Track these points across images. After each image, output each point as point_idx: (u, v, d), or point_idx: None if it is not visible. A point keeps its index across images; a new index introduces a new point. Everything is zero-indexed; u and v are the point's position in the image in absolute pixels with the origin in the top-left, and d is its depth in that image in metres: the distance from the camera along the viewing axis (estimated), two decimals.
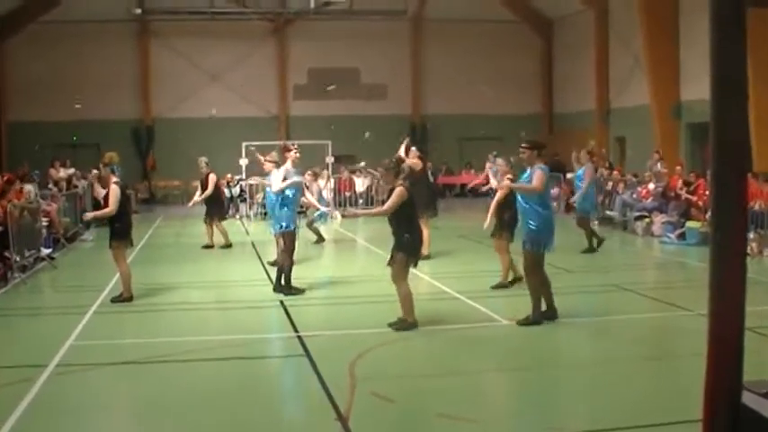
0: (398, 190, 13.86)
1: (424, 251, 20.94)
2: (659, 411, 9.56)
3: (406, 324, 14.09)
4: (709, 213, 24.93)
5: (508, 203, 17.20)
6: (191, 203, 26.73)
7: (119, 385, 11.71)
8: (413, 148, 22.52)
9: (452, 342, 13.89)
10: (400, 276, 14.04)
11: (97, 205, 19.96)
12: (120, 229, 17.09)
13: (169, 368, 12.22)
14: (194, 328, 14.97)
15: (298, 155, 18.82)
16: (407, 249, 14.00)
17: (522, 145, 14.66)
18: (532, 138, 15.52)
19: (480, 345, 13.72)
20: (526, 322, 14.31)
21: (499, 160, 18.83)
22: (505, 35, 46.95)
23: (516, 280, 17.78)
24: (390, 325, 14.11)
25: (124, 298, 17.11)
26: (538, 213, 14.28)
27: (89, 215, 18.42)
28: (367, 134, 34.91)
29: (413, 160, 21.72)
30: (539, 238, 14.26)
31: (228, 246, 25.37)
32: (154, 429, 9.59)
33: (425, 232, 21.42)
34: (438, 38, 46.87)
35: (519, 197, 14.69)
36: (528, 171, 14.49)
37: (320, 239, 26.27)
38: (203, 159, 26.35)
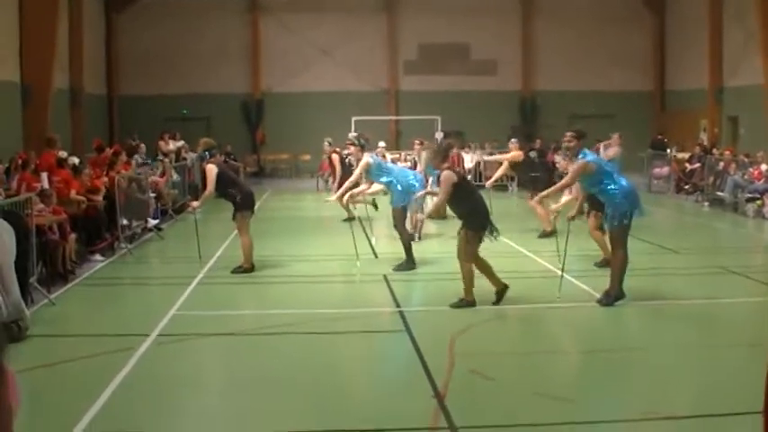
0: (445, 174, 13.80)
1: (548, 227, 21.04)
2: (752, 398, 9.37)
3: (463, 303, 14.01)
4: None
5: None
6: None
7: (217, 356, 11.86)
8: (513, 140, 22.74)
9: (551, 321, 13.81)
10: (465, 253, 13.94)
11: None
12: (242, 201, 17.29)
13: (270, 340, 12.31)
14: (297, 302, 15.03)
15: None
16: (471, 226, 13.96)
17: (569, 134, 14.58)
18: (578, 127, 15.23)
19: (579, 324, 13.61)
20: (604, 302, 14.20)
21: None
22: (617, 10, 46.33)
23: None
24: (452, 305, 14.05)
25: (245, 269, 17.33)
26: (605, 194, 14.27)
27: (195, 205, 18.60)
28: (438, 135, 34.96)
29: (515, 152, 22.17)
30: (614, 213, 14.12)
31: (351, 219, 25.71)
32: (251, 400, 9.63)
33: (541, 210, 21.45)
34: (548, 13, 46.44)
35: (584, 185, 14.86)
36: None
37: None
38: (327, 140, 26.71)
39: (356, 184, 19.54)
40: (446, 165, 14.13)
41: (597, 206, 16.89)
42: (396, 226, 18.23)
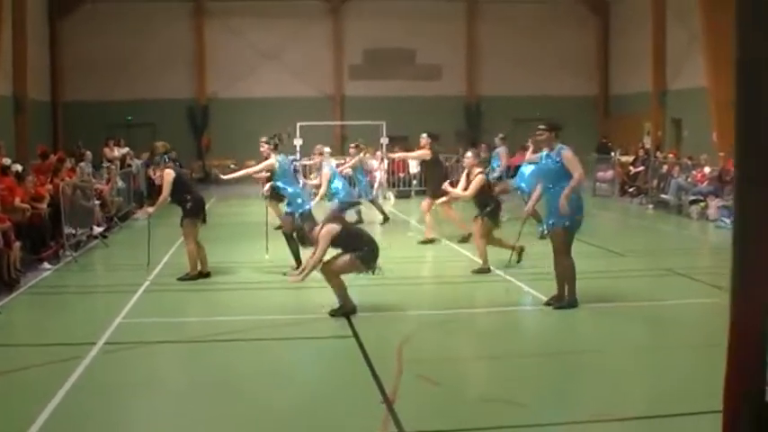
0: (325, 230, 13.66)
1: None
2: (706, 399, 9.44)
3: (567, 301, 14.21)
4: None
5: (486, 196, 17.87)
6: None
7: (164, 364, 11.80)
8: (423, 135, 22.57)
9: (499, 325, 13.86)
10: (338, 270, 14.03)
11: (151, 186, 20.15)
12: (192, 208, 17.23)
13: (218, 347, 12.27)
14: (243, 308, 15.01)
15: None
16: (364, 259, 13.94)
17: (540, 127, 14.58)
18: (550, 119, 15.23)
19: (526, 328, 13.69)
20: (561, 306, 14.20)
21: (468, 154, 18.83)
22: (561, 14, 46.58)
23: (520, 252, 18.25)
24: (552, 305, 14.26)
25: (191, 276, 17.24)
26: (557, 196, 14.10)
27: (150, 211, 18.57)
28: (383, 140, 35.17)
29: (424, 150, 22.39)
30: (572, 218, 14.01)
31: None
32: (199, 407, 9.62)
33: (454, 214, 21.62)
34: (493, 18, 46.59)
35: (544, 179, 14.48)
36: (548, 153, 14.38)
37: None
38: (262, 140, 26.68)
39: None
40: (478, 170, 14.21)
41: (485, 211, 17.18)
42: (284, 233, 18.20)
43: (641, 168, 34.74)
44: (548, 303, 14.39)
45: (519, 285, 16.30)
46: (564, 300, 14.22)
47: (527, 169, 23.38)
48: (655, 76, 41.60)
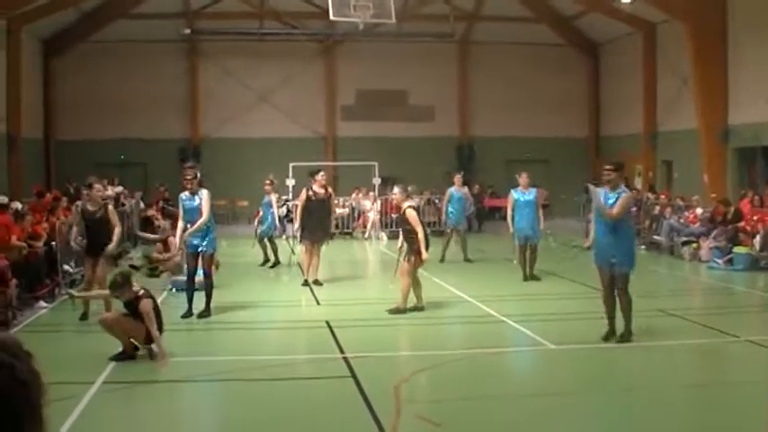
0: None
1: (317, 276, 21.18)
2: None
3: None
4: (756, 239, 24.94)
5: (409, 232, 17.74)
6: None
7: (163, 403, 11.83)
8: (320, 173, 22.39)
9: (498, 366, 13.91)
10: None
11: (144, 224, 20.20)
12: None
13: (215, 387, 12.32)
14: (242, 348, 15.06)
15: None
16: None
17: (607, 167, 14.87)
18: (615, 160, 15.74)
19: (525, 369, 13.74)
20: (623, 340, 14.70)
21: (396, 190, 18.64)
22: (552, 58, 46.81)
23: (417, 309, 17.97)
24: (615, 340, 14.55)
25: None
26: (629, 234, 14.88)
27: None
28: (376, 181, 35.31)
29: (319, 188, 21.92)
30: (632, 257, 14.71)
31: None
32: None
33: (315, 259, 21.55)
34: (485, 60, 46.82)
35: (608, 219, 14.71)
36: (610, 193, 14.70)
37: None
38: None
39: None
40: None
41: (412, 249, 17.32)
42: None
43: (633, 209, 34.82)
44: (606, 339, 14.79)
45: (514, 326, 16.37)
46: (624, 334, 14.77)
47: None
48: (645, 118, 41.82)
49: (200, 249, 17.59)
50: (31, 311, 18.14)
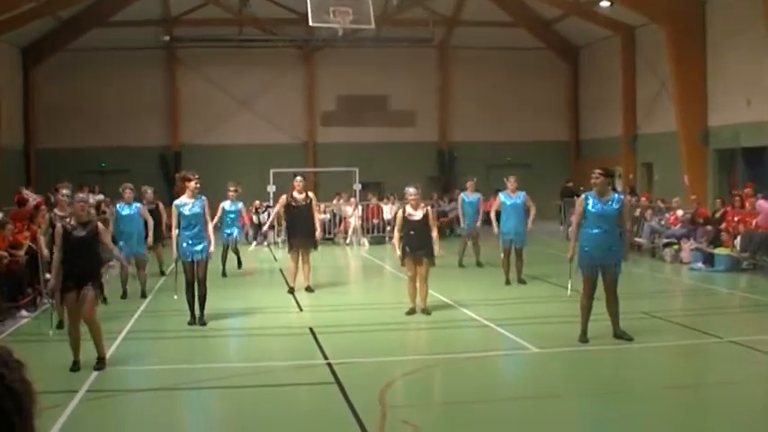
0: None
1: (309, 283, 21.25)
2: None
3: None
4: (737, 240, 25.03)
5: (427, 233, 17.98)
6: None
7: (147, 412, 11.78)
8: (297, 178, 22.23)
9: (482, 370, 13.91)
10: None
11: None
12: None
13: (200, 395, 12.29)
14: (225, 355, 15.05)
15: (197, 185, 18.23)
16: None
17: (597, 171, 15.23)
18: (605, 166, 16.01)
19: (508, 372, 13.75)
20: (628, 337, 15.13)
21: (412, 189, 18.20)
22: (532, 62, 46.96)
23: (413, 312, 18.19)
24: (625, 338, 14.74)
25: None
26: (619, 236, 15.27)
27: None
28: (356, 186, 35.25)
29: (298, 194, 21.75)
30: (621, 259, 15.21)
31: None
32: None
33: (305, 267, 21.55)
34: (465, 65, 46.92)
35: (603, 223, 15.00)
36: (603, 198, 15.06)
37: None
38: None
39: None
40: None
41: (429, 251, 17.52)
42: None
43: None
44: (619, 337, 15.16)
45: (498, 330, 16.39)
46: (623, 332, 15.24)
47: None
48: (625, 121, 41.98)
49: (198, 257, 17.53)
50: (13, 321, 18.06)
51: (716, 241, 26.10)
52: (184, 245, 17.48)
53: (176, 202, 18.01)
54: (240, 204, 25.71)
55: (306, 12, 32.81)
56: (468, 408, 11.44)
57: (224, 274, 24.71)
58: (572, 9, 41.19)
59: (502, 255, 22.69)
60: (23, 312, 18.73)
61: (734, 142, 33.05)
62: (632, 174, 41.58)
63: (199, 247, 17.44)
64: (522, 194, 22.97)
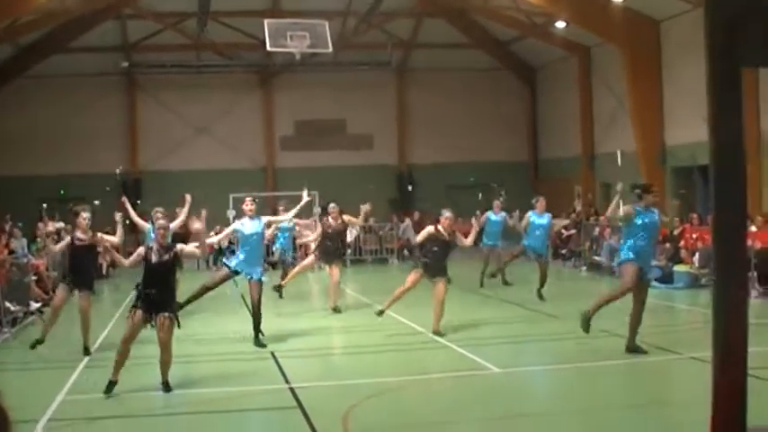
0: None
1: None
2: None
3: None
4: (696, 257, 25.20)
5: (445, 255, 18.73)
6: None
7: None
8: (331, 205, 23.14)
9: (444, 391, 13.93)
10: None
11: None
12: None
13: (160, 422, 12.24)
14: (186, 382, 14.92)
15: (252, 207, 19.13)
16: None
17: (654, 187, 17.01)
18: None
19: (471, 393, 13.76)
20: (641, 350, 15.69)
21: (447, 213, 18.80)
22: (490, 83, 47.09)
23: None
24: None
25: None
26: None
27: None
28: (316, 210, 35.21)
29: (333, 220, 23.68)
30: None
31: None
32: None
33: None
34: (423, 87, 47.00)
35: (651, 235, 16.54)
36: (648, 211, 16.62)
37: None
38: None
39: None
40: None
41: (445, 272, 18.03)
42: None
43: (573, 231, 35.13)
44: (632, 351, 15.70)
45: (459, 351, 16.42)
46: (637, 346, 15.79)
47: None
48: (584, 141, 42.19)
49: (256, 276, 18.21)
50: None
51: (675, 258, 26.27)
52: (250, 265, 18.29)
53: (235, 225, 19.42)
54: (264, 219, 25.49)
55: (263, 37, 32.87)
56: (431, 429, 11.46)
57: None
58: (528, 30, 41.40)
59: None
60: None
61: (691, 160, 33.24)
62: (591, 193, 41.72)
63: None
64: (548, 215, 25.14)
